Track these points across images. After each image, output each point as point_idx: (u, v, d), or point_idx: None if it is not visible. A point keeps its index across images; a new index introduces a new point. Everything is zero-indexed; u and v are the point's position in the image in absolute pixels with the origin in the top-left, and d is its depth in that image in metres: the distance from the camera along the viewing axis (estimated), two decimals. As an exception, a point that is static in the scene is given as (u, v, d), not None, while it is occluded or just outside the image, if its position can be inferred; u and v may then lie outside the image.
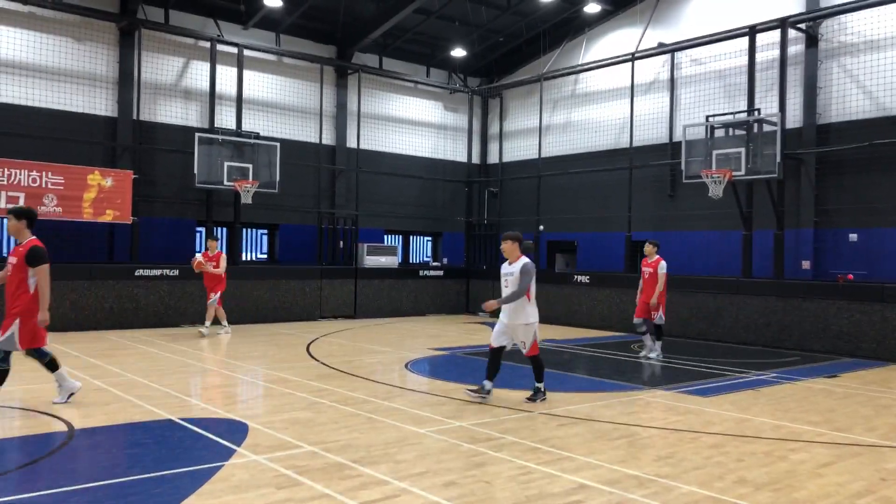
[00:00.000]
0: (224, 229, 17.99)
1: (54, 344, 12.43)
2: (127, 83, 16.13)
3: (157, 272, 15.63)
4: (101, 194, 15.07)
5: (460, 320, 19.15)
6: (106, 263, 15.70)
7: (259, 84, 18.33)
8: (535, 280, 8.35)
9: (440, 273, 20.80)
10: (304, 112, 19.21)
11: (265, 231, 19.16)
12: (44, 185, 14.38)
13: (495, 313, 8.80)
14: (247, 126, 17.59)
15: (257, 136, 17.19)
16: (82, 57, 15.77)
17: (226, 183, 16.26)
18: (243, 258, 18.07)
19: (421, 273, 20.46)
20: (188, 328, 15.44)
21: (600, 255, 19.10)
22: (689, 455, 6.30)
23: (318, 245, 19.13)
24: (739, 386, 9.90)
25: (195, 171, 15.92)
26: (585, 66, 19.32)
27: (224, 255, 14.66)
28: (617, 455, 6.25)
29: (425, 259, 22.58)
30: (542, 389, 8.47)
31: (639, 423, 7.48)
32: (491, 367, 8.54)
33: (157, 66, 16.81)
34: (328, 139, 19.59)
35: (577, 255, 19.94)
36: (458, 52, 20.91)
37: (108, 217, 15.23)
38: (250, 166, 16.64)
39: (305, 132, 19.17)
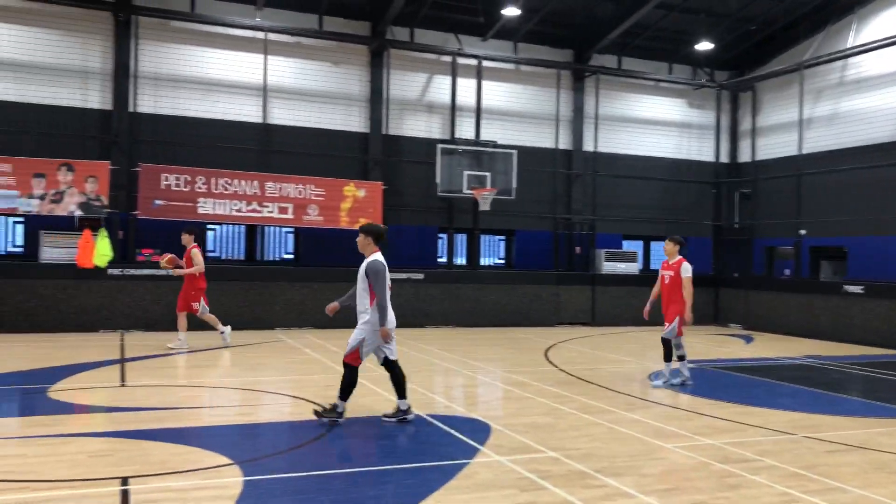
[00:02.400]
0: (464, 236, 18.67)
1: (311, 338, 13.74)
2: (377, 101, 17.42)
3: (403, 276, 16.60)
4: (356, 204, 16.42)
5: (708, 331, 17.91)
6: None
7: (496, 93, 18.76)
8: (387, 280, 7.12)
9: (683, 280, 19.62)
10: (540, 118, 19.29)
11: (502, 237, 19.53)
12: (307, 197, 16.03)
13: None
14: (484, 135, 18.10)
15: (495, 145, 17.59)
16: (339, 80, 17.31)
17: (465, 191, 16.86)
18: (481, 263, 18.60)
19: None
20: (431, 329, 16.20)
21: (876, 261, 16.70)
22: None
23: (554, 251, 19.08)
24: None
25: (437, 181, 16.71)
26: (855, 49, 17.09)
27: (197, 250, 11.93)
28: (907, 492, 5.33)
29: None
30: (340, 410, 7.11)
31: (935, 458, 6.33)
32: (396, 387, 7.30)
33: (403, 83, 17.93)
34: (564, 144, 19.49)
35: (846, 263, 17.66)
36: (704, 46, 19.60)
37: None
38: (488, 174, 17.08)
39: (541, 138, 19.24)
